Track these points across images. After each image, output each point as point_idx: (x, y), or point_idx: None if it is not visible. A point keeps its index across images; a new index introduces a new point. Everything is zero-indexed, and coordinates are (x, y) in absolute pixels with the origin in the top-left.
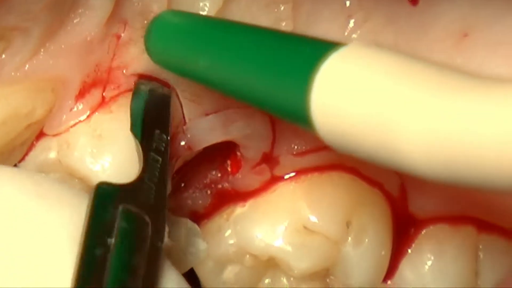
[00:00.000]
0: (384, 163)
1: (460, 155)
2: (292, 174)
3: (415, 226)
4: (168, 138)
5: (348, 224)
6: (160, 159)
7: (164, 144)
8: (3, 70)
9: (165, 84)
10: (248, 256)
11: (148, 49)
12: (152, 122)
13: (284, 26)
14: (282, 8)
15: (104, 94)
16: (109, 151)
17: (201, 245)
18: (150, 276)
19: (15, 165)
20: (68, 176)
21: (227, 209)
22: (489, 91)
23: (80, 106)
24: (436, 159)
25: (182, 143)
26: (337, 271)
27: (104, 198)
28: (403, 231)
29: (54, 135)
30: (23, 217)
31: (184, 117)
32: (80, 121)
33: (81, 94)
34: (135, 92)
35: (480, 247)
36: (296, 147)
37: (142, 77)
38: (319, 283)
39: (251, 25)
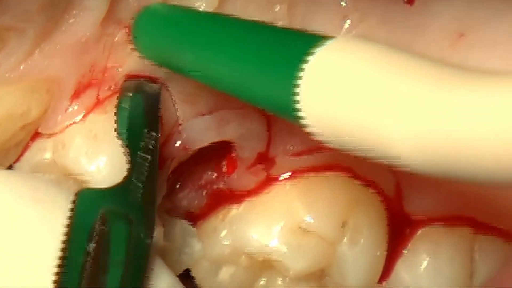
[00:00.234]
0: (374, 157)
1: (450, 148)
2: (288, 174)
3: (410, 226)
4: (158, 135)
5: (343, 225)
6: (149, 157)
7: (153, 142)
8: None
9: (155, 81)
10: (243, 256)
11: (135, 42)
12: (140, 120)
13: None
14: (277, 8)
15: (99, 94)
16: (104, 151)
17: (197, 245)
18: (138, 274)
19: (10, 166)
20: (63, 176)
21: (222, 210)
22: (479, 83)
23: (76, 107)
24: (426, 152)
25: (178, 143)
26: (332, 271)
27: (84, 204)
28: (398, 232)
29: (49, 136)
30: (17, 222)
31: (178, 117)
32: (75, 122)
33: (76, 94)
34: (121, 92)
35: (476, 247)
36: (291, 147)
37: (130, 77)
38: (315, 284)
39: (239, 18)
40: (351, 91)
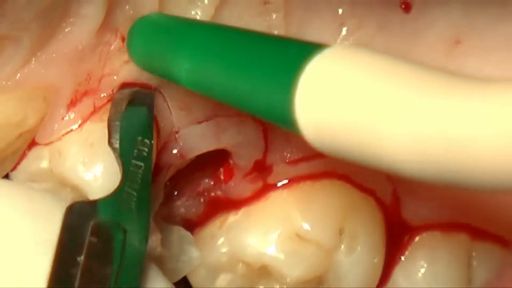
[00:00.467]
0: (372, 163)
1: (445, 153)
2: (285, 182)
3: (408, 233)
4: (152, 142)
5: (340, 232)
6: (142, 164)
7: (146, 149)
8: None
9: (150, 89)
10: (241, 264)
11: (130, 52)
12: (133, 128)
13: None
14: (274, 16)
15: (95, 102)
16: (101, 159)
17: (194, 253)
18: (133, 282)
19: (7, 174)
20: (60, 185)
21: (220, 217)
22: (475, 90)
23: (72, 115)
24: (422, 157)
25: (174, 151)
26: (330, 278)
27: (75, 217)
28: (396, 238)
29: (46, 144)
30: (11, 233)
31: (174, 125)
32: (72, 130)
33: (73, 103)
34: (114, 102)
35: (473, 254)
36: (288, 155)
37: (124, 86)
38: None
39: (234, 27)
40: (347, 99)
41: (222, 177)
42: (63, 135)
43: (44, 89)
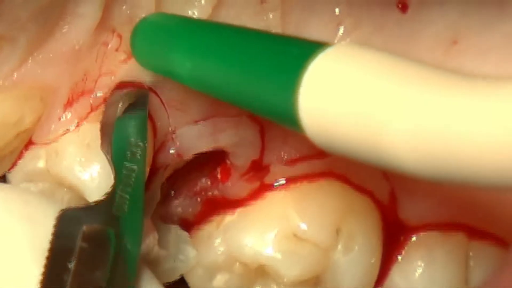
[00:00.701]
0: (373, 162)
1: (447, 151)
2: (282, 182)
3: (405, 233)
4: (145, 144)
5: (337, 232)
6: (136, 166)
7: (140, 151)
8: None
9: (144, 90)
10: (238, 264)
11: (134, 51)
12: (126, 131)
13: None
14: (271, 16)
15: (92, 103)
16: (97, 160)
17: (191, 252)
18: (125, 285)
19: (4, 174)
20: (57, 185)
21: (217, 217)
22: (476, 87)
23: (69, 115)
24: (423, 156)
25: (172, 151)
26: (327, 278)
27: (66, 224)
28: (393, 238)
29: (43, 144)
30: (5, 238)
31: (171, 126)
32: (68, 130)
33: (70, 102)
34: (107, 104)
35: (471, 254)
36: (285, 155)
37: (118, 87)
38: None
39: (237, 26)
40: (350, 97)
41: (219, 177)
42: (60, 135)
43: (41, 89)
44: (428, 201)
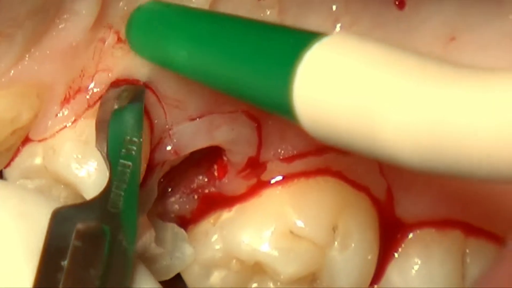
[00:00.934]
0: (368, 152)
1: (443, 143)
2: (279, 179)
3: (402, 230)
4: (140, 140)
5: (334, 229)
6: (131, 163)
7: (135, 148)
8: None
9: (139, 87)
10: (234, 261)
11: (129, 40)
12: (121, 128)
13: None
14: (268, 12)
15: (89, 99)
16: (94, 156)
17: (188, 250)
18: (122, 283)
19: (1, 171)
20: (54, 181)
21: (214, 214)
22: (473, 79)
23: (66, 112)
24: (419, 147)
25: (168, 148)
26: (323, 275)
27: (60, 222)
28: (390, 235)
29: (40, 141)
30: (3, 236)
31: (168, 123)
32: (65, 127)
33: (66, 99)
34: (102, 101)
35: (467, 251)
36: (282, 152)
37: (113, 85)
38: None
39: (233, 15)
40: (346, 87)
41: (216, 174)
42: (56, 132)
43: (37, 86)
44: (424, 198)
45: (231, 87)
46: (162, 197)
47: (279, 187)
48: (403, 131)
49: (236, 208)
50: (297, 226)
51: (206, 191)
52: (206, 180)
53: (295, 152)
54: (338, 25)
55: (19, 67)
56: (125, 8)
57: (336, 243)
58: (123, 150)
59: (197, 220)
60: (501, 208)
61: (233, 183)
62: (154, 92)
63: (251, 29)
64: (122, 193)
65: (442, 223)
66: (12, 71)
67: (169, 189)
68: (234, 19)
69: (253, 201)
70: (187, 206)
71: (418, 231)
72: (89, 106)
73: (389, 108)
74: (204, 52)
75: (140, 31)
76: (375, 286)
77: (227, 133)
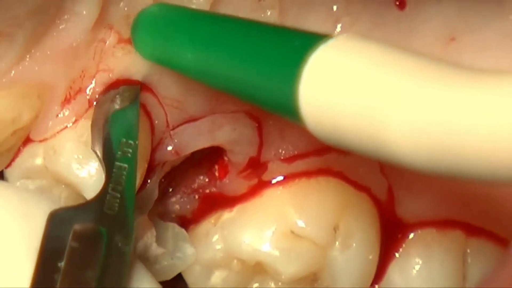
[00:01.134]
0: (373, 154)
1: (446, 144)
2: (280, 179)
3: (403, 230)
4: (136, 143)
5: (335, 229)
6: (127, 165)
7: (131, 150)
8: None
9: (135, 89)
10: (235, 261)
11: (135, 42)
12: (116, 130)
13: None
14: (269, 13)
15: (89, 99)
16: (95, 157)
17: (189, 250)
18: (118, 283)
19: (1, 172)
20: (54, 182)
21: (214, 214)
22: (476, 81)
23: (66, 112)
24: (422, 149)
25: (169, 148)
26: (324, 275)
27: (57, 223)
28: (390, 235)
29: (41, 141)
30: (4, 238)
31: (168, 123)
32: (66, 127)
33: (67, 100)
34: (97, 103)
35: (468, 251)
36: (283, 152)
37: (109, 88)
38: None
39: (239, 18)
40: (351, 89)
41: (217, 174)
42: (57, 132)
43: (38, 86)
44: (426, 198)
45: (237, 89)
46: (163, 197)
47: (280, 187)
48: (406, 132)
49: (237, 208)
50: (298, 226)
51: (207, 191)
52: (207, 180)
53: (296, 152)
54: (339, 25)
55: (20, 67)
56: (126, 8)
57: (337, 243)
58: (119, 153)
59: (198, 220)
60: (502, 208)
61: (234, 183)
62: (154, 93)
63: (257, 31)
64: (118, 195)
65: (443, 223)
66: (13, 72)
67: (170, 189)
68: (239, 22)
69: (254, 201)
70: (188, 206)
71: (419, 231)
72: (90, 107)
73: (393, 109)
74: (209, 54)
75: (146, 34)
76: (376, 286)
77: (229, 133)
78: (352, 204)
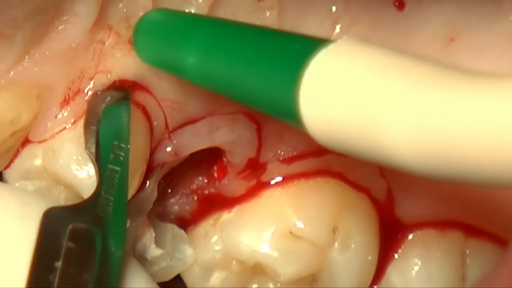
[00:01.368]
0: (372, 158)
1: (446, 149)
2: (279, 180)
3: (402, 231)
4: (128, 146)
5: (334, 230)
6: (119, 168)
7: (123, 154)
8: None
9: (126, 91)
10: (234, 262)
11: (136, 47)
12: (109, 133)
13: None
14: (268, 14)
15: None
16: None
17: (188, 251)
18: (112, 284)
19: (0, 173)
20: (53, 183)
21: (213, 215)
22: (474, 84)
23: (65, 113)
24: (422, 153)
25: (168, 149)
26: (323, 276)
27: (52, 223)
28: (389, 236)
29: (40, 142)
30: (4, 239)
31: (167, 124)
32: (65, 128)
33: (66, 101)
34: (89, 106)
35: (467, 252)
36: (282, 153)
37: (105, 90)
38: None
39: (240, 22)
40: (351, 94)
41: (215, 175)
42: (56, 133)
43: (37, 87)
44: (424, 199)
45: (237, 93)
46: (162, 198)
47: (279, 188)
48: (406, 137)
49: (236, 209)
50: (297, 227)
51: (206, 192)
52: (206, 181)
53: (295, 153)
54: (338, 26)
55: (19, 68)
56: (125, 9)
57: (336, 244)
58: (112, 155)
59: (197, 221)
60: (501, 208)
61: (233, 184)
62: (153, 94)
63: (257, 35)
64: (111, 198)
65: (442, 224)
66: (12, 72)
67: (169, 190)
68: (239, 26)
69: (253, 202)
70: (187, 207)
71: (418, 232)
72: None
73: (392, 114)
74: (210, 59)
75: (147, 39)
76: (375, 286)
77: (227, 134)
78: (351, 205)
